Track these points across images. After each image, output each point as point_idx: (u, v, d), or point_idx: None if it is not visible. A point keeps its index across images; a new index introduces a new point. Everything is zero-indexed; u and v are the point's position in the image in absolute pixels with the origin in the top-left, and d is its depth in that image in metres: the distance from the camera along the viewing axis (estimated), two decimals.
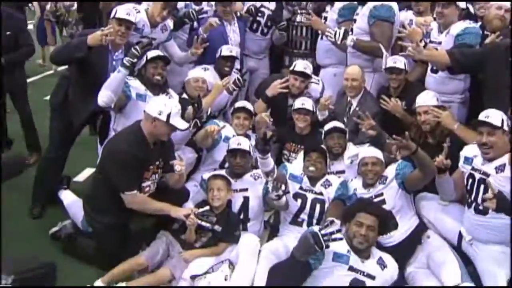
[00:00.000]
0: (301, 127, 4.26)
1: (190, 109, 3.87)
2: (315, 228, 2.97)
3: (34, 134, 5.08)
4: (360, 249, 3.01)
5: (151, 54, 3.90)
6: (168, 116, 3.32)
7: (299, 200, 3.69)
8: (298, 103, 4.25)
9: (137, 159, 3.29)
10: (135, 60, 3.63)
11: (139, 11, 4.26)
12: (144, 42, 3.74)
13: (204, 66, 4.61)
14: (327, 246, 2.87)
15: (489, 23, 4.23)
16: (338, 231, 2.91)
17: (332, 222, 3.26)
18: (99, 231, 3.50)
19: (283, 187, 3.41)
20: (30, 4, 8.47)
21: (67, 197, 3.99)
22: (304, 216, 3.67)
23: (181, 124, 3.40)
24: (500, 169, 3.17)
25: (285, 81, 4.46)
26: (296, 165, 3.92)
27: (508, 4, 4.10)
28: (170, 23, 4.57)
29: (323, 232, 2.88)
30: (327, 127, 4.01)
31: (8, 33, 4.66)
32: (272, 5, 5.14)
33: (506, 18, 4.14)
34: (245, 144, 3.81)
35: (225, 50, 4.62)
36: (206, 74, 4.49)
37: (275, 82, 4.49)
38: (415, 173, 3.49)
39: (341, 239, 2.94)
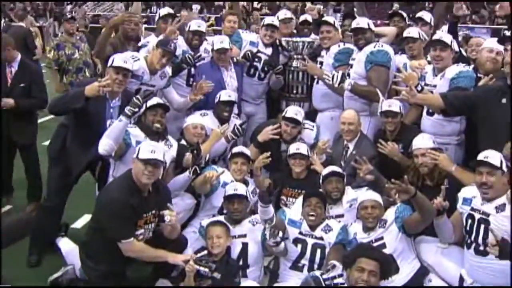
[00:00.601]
0: (297, 172, 4.25)
1: (188, 155, 3.89)
2: (317, 273, 2.95)
3: (38, 184, 5.02)
4: None
5: (151, 102, 3.96)
6: (138, 151, 3.37)
7: (299, 246, 3.67)
8: (293, 148, 4.25)
9: (130, 206, 3.29)
10: (137, 109, 3.69)
11: (138, 59, 4.35)
12: (146, 91, 3.80)
13: (203, 111, 4.65)
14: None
15: (481, 66, 4.32)
16: (340, 275, 2.89)
17: (334, 266, 3.26)
18: (96, 279, 3.46)
19: (280, 234, 3.40)
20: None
21: (65, 244, 3.97)
22: (305, 261, 3.64)
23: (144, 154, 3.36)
24: (500, 208, 3.18)
25: (277, 128, 4.49)
26: (294, 210, 3.91)
27: (499, 46, 4.20)
28: (168, 69, 4.64)
29: (324, 276, 2.86)
30: (325, 172, 4.01)
31: (22, 85, 4.72)
32: (269, 50, 5.21)
33: (498, 61, 4.22)
34: (242, 189, 3.82)
35: (224, 95, 4.65)
36: (205, 119, 4.52)
37: (266, 128, 4.52)
38: (414, 216, 3.49)
39: (342, 284, 2.91)
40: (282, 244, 3.44)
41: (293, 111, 4.52)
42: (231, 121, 4.69)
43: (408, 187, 3.28)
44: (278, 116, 4.87)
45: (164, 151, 3.56)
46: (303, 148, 4.24)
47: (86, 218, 4.69)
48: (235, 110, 4.92)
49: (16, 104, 4.67)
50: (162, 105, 4.02)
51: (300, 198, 3.93)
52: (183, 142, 4.33)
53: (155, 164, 3.35)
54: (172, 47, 4.43)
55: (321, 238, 3.67)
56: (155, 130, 3.93)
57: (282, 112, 4.64)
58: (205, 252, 3.45)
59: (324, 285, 2.84)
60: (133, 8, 6.09)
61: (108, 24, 5.24)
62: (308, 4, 9.60)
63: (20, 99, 4.68)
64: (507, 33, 4.05)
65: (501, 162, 3.22)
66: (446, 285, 3.49)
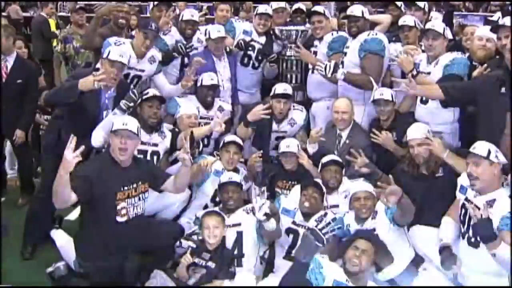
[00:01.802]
0: (288, 168, 4.25)
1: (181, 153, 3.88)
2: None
3: (30, 178, 5.04)
4: (352, 273, 3.02)
5: (147, 94, 3.94)
6: (112, 126, 3.41)
7: (291, 236, 3.68)
8: (283, 146, 4.24)
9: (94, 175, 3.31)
10: (132, 104, 3.73)
11: (123, 43, 4.35)
12: (143, 86, 3.80)
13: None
14: (328, 240, 2.85)
15: (473, 54, 4.33)
16: (334, 220, 2.87)
17: (325, 214, 3.33)
18: (91, 271, 3.45)
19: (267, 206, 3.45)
20: None
21: (60, 237, 3.94)
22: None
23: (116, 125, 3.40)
24: (490, 204, 3.11)
25: (268, 107, 4.47)
26: (289, 199, 3.91)
27: (489, 34, 4.20)
28: (158, 55, 4.62)
29: (320, 226, 2.89)
30: (324, 159, 4.02)
31: (18, 81, 4.67)
32: (263, 39, 5.18)
33: (489, 48, 4.22)
34: (236, 177, 3.85)
35: (206, 79, 4.60)
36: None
37: (257, 107, 4.49)
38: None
39: (340, 227, 2.91)
40: (274, 223, 3.45)
41: (282, 87, 4.56)
42: (215, 103, 4.68)
43: (395, 188, 3.21)
44: (265, 99, 4.84)
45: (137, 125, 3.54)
46: (293, 146, 4.22)
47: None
48: (229, 99, 4.91)
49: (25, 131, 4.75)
50: (158, 97, 4.00)
51: (296, 188, 3.94)
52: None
53: (129, 136, 3.38)
54: (153, 27, 4.40)
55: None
56: (150, 124, 3.96)
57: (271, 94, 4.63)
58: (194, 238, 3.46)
59: (321, 233, 2.89)
60: None
61: (96, 14, 5.19)
62: None
63: (14, 96, 4.63)
64: (501, 21, 4.02)
65: (489, 152, 3.16)
66: (441, 273, 3.50)
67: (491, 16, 7.10)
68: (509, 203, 3.06)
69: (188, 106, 4.47)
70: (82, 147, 3.02)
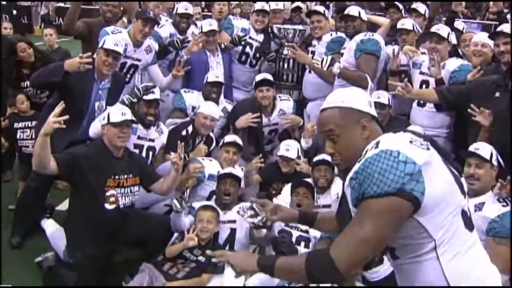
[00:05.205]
0: (285, 171, 4.25)
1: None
2: None
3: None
4: None
5: (149, 96, 3.95)
6: (108, 116, 3.43)
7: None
8: (283, 149, 4.22)
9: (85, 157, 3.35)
10: (135, 100, 3.76)
11: (120, 31, 4.35)
12: (149, 85, 3.91)
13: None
14: None
15: (469, 59, 4.34)
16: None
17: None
18: (80, 262, 3.43)
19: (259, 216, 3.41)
20: None
21: (50, 226, 3.92)
22: None
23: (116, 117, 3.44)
24: (478, 207, 3.11)
25: (256, 117, 4.54)
26: (281, 200, 3.88)
27: (484, 39, 4.21)
28: (155, 45, 4.62)
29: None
30: (316, 158, 4.01)
31: None
32: (260, 37, 5.18)
33: (485, 53, 4.24)
34: (237, 171, 3.84)
35: (211, 76, 4.63)
36: (187, 96, 4.65)
37: (245, 116, 4.55)
38: None
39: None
40: (264, 230, 3.44)
41: (262, 75, 4.67)
42: (220, 103, 4.67)
43: None
44: (252, 94, 4.85)
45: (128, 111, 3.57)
46: (292, 151, 4.20)
47: None
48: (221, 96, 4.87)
49: None
50: (158, 100, 4.03)
51: (287, 188, 3.93)
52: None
53: (128, 126, 3.45)
54: (152, 15, 4.41)
55: (307, 231, 3.66)
56: (147, 123, 3.98)
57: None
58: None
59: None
60: None
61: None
62: None
63: None
64: (499, 28, 4.05)
65: (491, 155, 3.20)
66: None
67: (490, 24, 7.16)
68: (496, 208, 3.06)
69: (208, 106, 4.36)
70: (66, 117, 3.04)
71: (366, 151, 1.65)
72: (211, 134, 4.49)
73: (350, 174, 1.66)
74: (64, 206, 4.58)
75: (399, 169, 1.55)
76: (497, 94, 3.61)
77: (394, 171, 1.55)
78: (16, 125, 4.73)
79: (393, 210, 1.57)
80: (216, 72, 4.70)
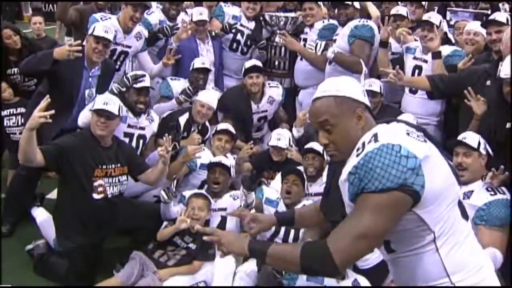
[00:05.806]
0: (276, 160, 4.23)
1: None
2: None
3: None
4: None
5: (140, 84, 3.92)
6: (93, 104, 3.44)
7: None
8: (274, 139, 4.21)
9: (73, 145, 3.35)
10: (124, 89, 3.73)
11: (109, 18, 4.30)
12: (138, 74, 3.86)
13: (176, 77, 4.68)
14: None
15: (462, 48, 4.34)
16: None
17: None
18: (70, 250, 3.43)
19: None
20: None
21: (40, 214, 3.89)
22: (278, 240, 3.61)
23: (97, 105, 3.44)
24: (467, 195, 3.10)
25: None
26: (272, 188, 3.90)
27: (477, 28, 4.21)
28: (145, 31, 4.59)
29: None
30: (306, 147, 4.01)
31: None
32: (252, 25, 5.13)
33: (477, 41, 4.25)
34: (226, 161, 3.82)
35: (197, 62, 4.58)
36: (174, 83, 4.61)
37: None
38: None
39: None
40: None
41: (251, 62, 4.66)
42: (207, 87, 4.64)
43: None
44: (242, 82, 4.81)
45: (121, 105, 3.55)
46: (283, 140, 4.19)
47: None
48: (211, 83, 4.86)
49: None
50: (148, 87, 4.01)
51: (279, 176, 3.93)
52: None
53: (108, 116, 3.39)
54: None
55: None
56: (138, 111, 3.95)
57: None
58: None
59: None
60: None
61: None
62: None
63: None
64: (492, 16, 4.05)
65: (479, 143, 3.19)
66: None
67: (482, 13, 7.16)
68: (484, 197, 3.05)
69: (207, 95, 4.36)
70: (52, 111, 3.01)
71: (363, 143, 1.62)
72: (207, 123, 4.46)
73: (349, 169, 1.63)
74: (54, 194, 4.56)
75: (402, 164, 1.53)
76: (488, 83, 3.61)
77: (397, 166, 1.53)
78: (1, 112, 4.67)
79: (393, 204, 1.56)
80: (202, 59, 4.65)
